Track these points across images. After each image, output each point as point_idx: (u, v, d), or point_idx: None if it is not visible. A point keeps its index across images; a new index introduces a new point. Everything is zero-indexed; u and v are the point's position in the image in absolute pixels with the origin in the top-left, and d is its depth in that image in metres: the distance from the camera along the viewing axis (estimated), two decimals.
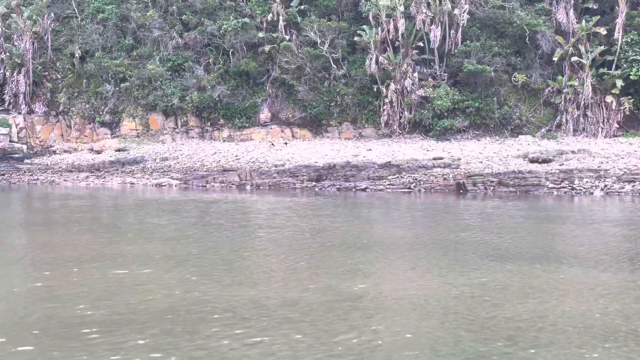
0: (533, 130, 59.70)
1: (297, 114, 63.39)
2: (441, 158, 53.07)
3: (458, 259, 19.47)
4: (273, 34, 63.49)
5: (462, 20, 60.52)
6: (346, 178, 52.18)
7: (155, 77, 62.89)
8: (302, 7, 64.31)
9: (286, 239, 24.76)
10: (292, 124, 63.58)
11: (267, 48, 63.23)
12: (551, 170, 48.97)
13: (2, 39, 64.94)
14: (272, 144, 60.59)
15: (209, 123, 64.05)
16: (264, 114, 63.53)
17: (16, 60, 64.01)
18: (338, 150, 57.78)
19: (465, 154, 54.66)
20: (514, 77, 60.46)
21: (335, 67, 62.33)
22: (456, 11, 60.54)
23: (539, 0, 62.91)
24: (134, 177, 57.15)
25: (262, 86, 64.27)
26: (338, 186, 50.94)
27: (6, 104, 64.59)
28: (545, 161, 50.95)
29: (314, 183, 52.07)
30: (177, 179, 55.86)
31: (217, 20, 64.33)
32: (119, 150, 61.50)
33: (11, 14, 65.53)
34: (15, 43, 64.98)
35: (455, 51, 60.95)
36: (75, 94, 65.70)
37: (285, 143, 60.70)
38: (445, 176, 49.85)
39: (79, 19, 67.14)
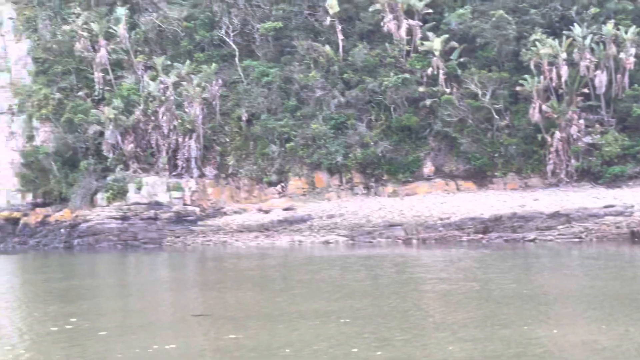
0: None
1: (461, 166, 65.20)
2: (612, 206, 53.31)
3: None
4: (434, 88, 65.95)
5: (629, 63, 60.82)
6: (513, 229, 53.34)
7: (319, 136, 66.46)
8: (462, 59, 66.62)
9: (457, 292, 26.38)
10: (456, 177, 65.46)
11: (428, 102, 65.77)
12: None
13: (174, 106, 70.27)
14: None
15: (373, 179, 66.79)
16: (428, 168, 65.71)
17: (187, 126, 69.32)
18: (504, 201, 58.96)
19: (638, 201, 54.45)
20: None
21: (497, 117, 64.08)
22: (622, 55, 61.03)
23: None
24: (302, 235, 60.50)
25: (424, 140, 66.68)
26: (505, 238, 52.25)
27: (179, 169, 69.68)
28: None
29: (480, 235, 53.55)
30: (343, 236, 58.73)
31: (378, 77, 67.46)
32: (286, 209, 65.07)
33: (182, 82, 70.95)
34: (186, 109, 70.32)
35: (623, 95, 61.31)
36: (243, 156, 70.15)
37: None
38: (617, 224, 50.10)
39: (244, 84, 71.92)
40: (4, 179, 74.97)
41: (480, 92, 64.40)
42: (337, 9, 69.32)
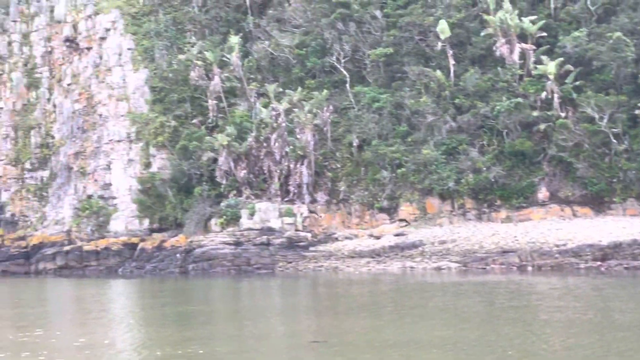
0: None
1: (577, 192, 64.10)
2: None
3: None
4: (548, 112, 65.22)
5: None
6: (634, 256, 52.31)
7: (430, 161, 66.47)
8: (577, 83, 65.63)
9: (573, 321, 26.15)
10: (571, 202, 64.41)
11: (542, 126, 65.01)
12: None
13: (286, 133, 71.55)
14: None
15: (485, 204, 66.31)
16: (542, 193, 64.85)
17: (299, 152, 70.44)
18: (623, 228, 57.73)
19: None
20: None
21: (615, 141, 62.80)
22: None
23: None
24: (414, 261, 60.65)
25: (538, 165, 65.88)
26: (626, 265, 51.10)
27: (291, 195, 70.75)
28: None
29: (599, 262, 52.55)
30: (455, 262, 58.53)
31: (490, 102, 67.13)
32: (397, 234, 65.30)
33: (293, 109, 72.23)
34: (298, 136, 71.49)
35: None
36: (354, 182, 70.77)
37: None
38: None
39: (355, 109, 72.76)
40: (123, 205, 77.89)
41: (597, 116, 63.30)
42: (448, 33, 69.45)
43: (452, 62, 70.05)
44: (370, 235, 67.07)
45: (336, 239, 68.08)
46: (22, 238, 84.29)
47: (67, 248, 79.13)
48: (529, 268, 55.11)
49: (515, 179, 65.69)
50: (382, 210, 69.03)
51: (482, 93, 68.35)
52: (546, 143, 65.84)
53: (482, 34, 69.81)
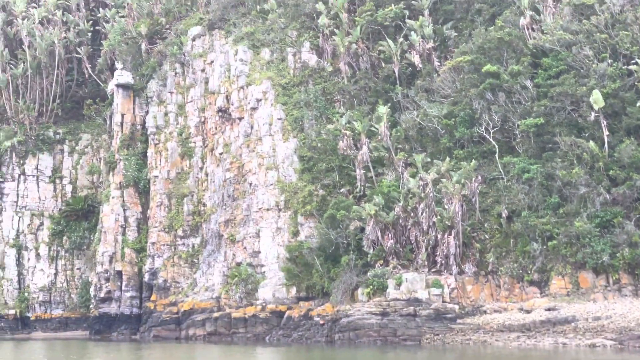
0: None
1: None
2: None
3: None
4: None
5: None
6: None
7: (583, 234, 65.55)
8: None
9: None
10: None
11: None
12: None
13: (433, 203, 72.30)
14: None
15: None
16: None
17: (446, 222, 70.93)
18: None
19: None
20: None
21: None
22: None
23: None
24: (566, 337, 59.75)
25: None
26: None
27: (438, 266, 71.14)
28: None
29: None
30: (611, 340, 57.24)
31: None
32: (548, 309, 64.35)
33: (441, 179, 73.00)
34: (446, 206, 72.00)
35: None
36: (504, 254, 70.50)
37: None
38: None
39: (504, 180, 72.82)
40: (271, 273, 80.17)
41: None
42: (602, 104, 68.89)
43: (606, 132, 69.36)
44: (520, 309, 66.40)
45: (484, 312, 67.76)
46: (174, 304, 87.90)
47: (216, 315, 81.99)
48: None
49: None
50: (532, 283, 68.39)
51: (639, 165, 67.17)
52: None
53: (638, 104, 68.92)
